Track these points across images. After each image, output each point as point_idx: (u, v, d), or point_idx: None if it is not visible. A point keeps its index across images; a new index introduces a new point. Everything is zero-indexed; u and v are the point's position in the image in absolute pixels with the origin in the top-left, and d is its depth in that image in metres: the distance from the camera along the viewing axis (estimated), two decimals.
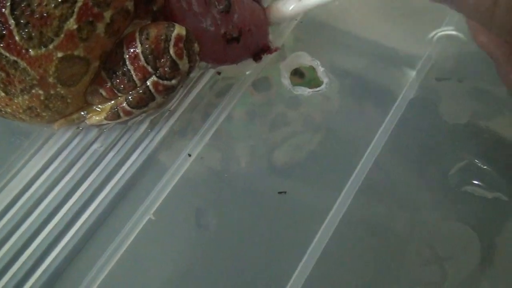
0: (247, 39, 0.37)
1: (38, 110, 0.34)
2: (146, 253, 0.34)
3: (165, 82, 0.34)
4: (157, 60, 0.33)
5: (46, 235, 0.34)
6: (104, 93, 0.35)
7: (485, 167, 0.35)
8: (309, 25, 0.43)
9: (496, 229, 0.34)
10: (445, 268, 0.32)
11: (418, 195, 0.35)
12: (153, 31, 0.33)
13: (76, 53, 0.31)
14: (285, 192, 0.35)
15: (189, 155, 0.37)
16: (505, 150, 0.36)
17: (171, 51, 0.33)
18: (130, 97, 0.35)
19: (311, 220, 0.34)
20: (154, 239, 0.35)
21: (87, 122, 0.37)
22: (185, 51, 0.34)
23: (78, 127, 0.38)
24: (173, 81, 0.34)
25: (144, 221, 0.35)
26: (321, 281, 0.33)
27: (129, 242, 0.34)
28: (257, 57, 0.39)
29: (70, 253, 0.34)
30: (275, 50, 0.40)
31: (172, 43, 0.33)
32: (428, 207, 0.35)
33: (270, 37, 0.40)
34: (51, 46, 0.30)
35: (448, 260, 0.33)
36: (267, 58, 0.40)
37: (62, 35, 0.30)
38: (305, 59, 0.40)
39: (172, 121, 0.38)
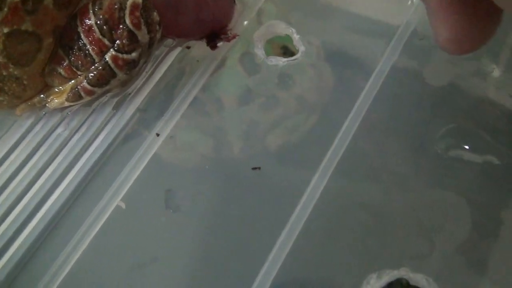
0: (203, 12, 0.35)
1: None
2: (115, 239, 0.33)
3: (125, 56, 0.32)
4: (113, 32, 0.31)
5: (9, 224, 0.33)
6: (63, 73, 0.33)
7: (473, 129, 0.33)
8: None
9: (488, 196, 0.31)
10: (432, 240, 0.30)
11: (403, 162, 0.33)
12: (106, 0, 0.31)
13: (23, 27, 0.30)
14: (259, 168, 0.33)
15: (158, 135, 0.35)
16: (493, 111, 0.33)
17: (127, 21, 0.31)
18: (90, 75, 0.33)
19: (287, 198, 0.32)
20: (123, 225, 0.33)
21: (49, 105, 0.35)
22: (142, 20, 0.31)
23: (41, 112, 0.36)
24: (133, 54, 0.32)
25: (113, 207, 0.33)
26: (301, 258, 0.30)
27: (96, 229, 0.33)
28: (212, 43, 0.37)
29: (34, 242, 0.32)
30: (233, 37, 0.37)
31: (127, 12, 0.31)
32: (413, 174, 0.32)
33: (231, 23, 0.38)
34: None
35: (435, 231, 0.30)
36: (238, 28, 0.38)
37: (6, 9, 0.28)
38: (279, 28, 0.38)
39: (138, 100, 0.36)
